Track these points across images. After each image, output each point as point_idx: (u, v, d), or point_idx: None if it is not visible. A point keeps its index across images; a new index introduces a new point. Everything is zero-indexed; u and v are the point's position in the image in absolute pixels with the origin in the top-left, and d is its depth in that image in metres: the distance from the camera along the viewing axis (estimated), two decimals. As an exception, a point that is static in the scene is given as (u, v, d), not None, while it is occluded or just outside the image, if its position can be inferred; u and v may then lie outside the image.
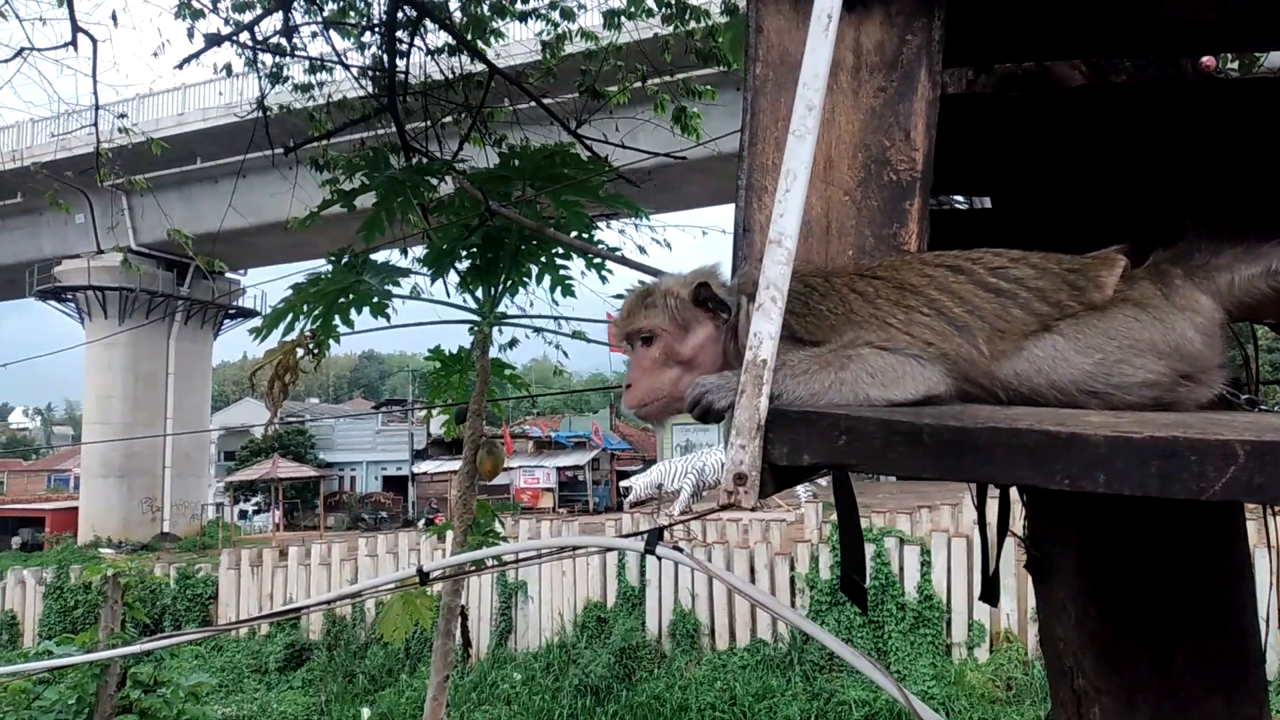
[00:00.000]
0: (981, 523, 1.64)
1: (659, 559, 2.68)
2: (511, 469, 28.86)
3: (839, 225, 1.29)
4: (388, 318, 5.13)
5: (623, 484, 24.49)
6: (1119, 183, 1.77)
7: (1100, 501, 1.41)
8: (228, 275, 31.60)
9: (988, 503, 1.71)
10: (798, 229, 1.03)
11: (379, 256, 5.30)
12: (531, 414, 34.11)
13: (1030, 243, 1.83)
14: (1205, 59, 1.78)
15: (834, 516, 14.82)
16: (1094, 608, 1.39)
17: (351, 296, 5.05)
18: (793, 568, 14.62)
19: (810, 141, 1.04)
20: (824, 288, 1.23)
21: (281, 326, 5.09)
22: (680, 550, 2.59)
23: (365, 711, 15.51)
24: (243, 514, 32.60)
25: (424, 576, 3.18)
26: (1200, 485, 0.80)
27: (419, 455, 33.47)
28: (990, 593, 1.66)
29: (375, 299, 5.06)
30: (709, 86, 7.53)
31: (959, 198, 2.86)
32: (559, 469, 29.81)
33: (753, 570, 14.81)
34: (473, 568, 3.72)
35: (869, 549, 14.02)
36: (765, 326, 0.99)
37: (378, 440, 35.23)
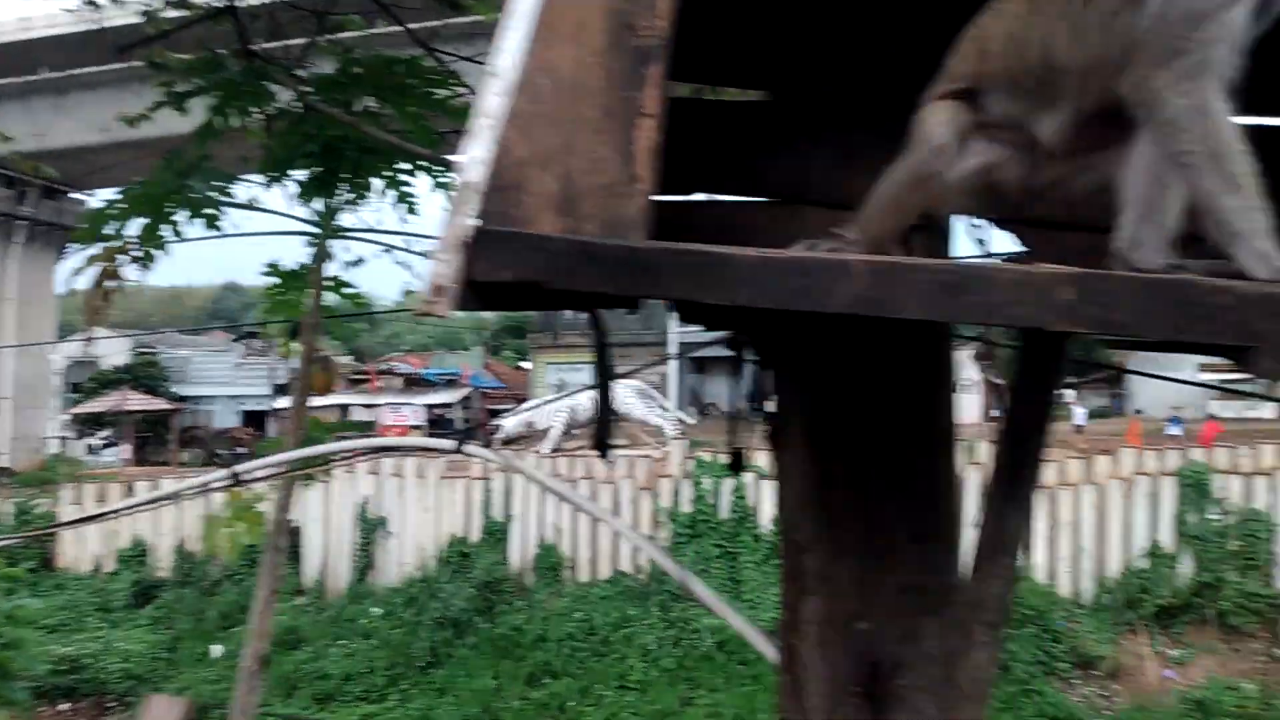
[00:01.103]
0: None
1: (503, 471, 2.71)
2: (378, 406, 28.31)
3: (588, 85, 1.32)
4: (218, 228, 4.92)
5: (493, 421, 24.38)
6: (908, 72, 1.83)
7: (828, 372, 1.53)
8: (72, 196, 29.42)
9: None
10: (513, 65, 1.07)
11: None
12: (400, 351, 33.44)
13: (809, 136, 1.91)
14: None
15: (697, 453, 15.14)
16: (814, 470, 1.51)
17: (180, 203, 4.82)
18: (655, 502, 15.01)
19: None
20: None
21: (107, 232, 4.84)
22: (490, 449, 2.63)
23: (217, 648, 15.15)
24: (90, 449, 30.86)
25: (236, 479, 3.13)
26: (827, 299, 0.89)
27: (280, 390, 32.33)
28: (736, 465, 1.79)
29: (205, 208, 4.85)
30: None
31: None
32: (428, 407, 29.42)
33: (617, 504, 15.12)
34: (288, 471, 3.67)
35: (731, 484, 14.51)
36: (476, 151, 1.04)
37: (237, 374, 33.84)
